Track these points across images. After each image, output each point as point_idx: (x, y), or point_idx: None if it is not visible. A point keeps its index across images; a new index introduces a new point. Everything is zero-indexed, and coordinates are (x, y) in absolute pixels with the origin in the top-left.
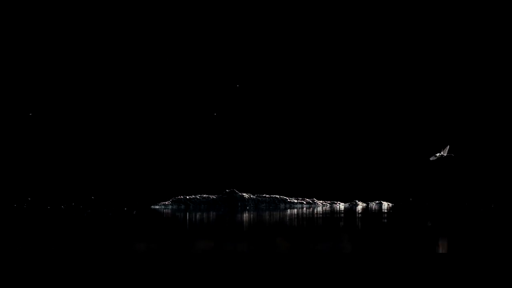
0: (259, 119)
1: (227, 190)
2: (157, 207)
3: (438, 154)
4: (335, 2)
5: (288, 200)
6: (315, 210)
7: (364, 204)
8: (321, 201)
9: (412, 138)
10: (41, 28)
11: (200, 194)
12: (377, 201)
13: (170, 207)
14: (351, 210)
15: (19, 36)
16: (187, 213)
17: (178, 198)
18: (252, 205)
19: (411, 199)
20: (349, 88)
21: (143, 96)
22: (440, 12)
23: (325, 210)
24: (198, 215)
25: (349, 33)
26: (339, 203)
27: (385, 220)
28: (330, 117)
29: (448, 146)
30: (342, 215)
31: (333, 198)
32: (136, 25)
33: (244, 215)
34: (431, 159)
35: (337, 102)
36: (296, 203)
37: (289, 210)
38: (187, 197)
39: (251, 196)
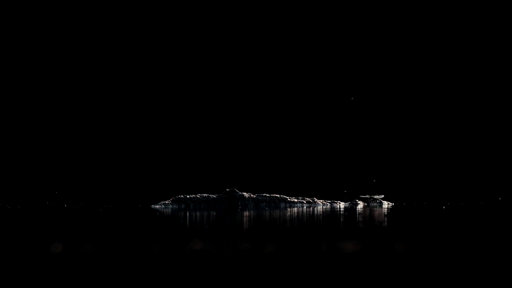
0: (259, 118)
1: (227, 190)
2: (157, 206)
3: (376, 197)
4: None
5: (288, 199)
6: (315, 209)
7: (364, 204)
8: (321, 201)
9: (412, 138)
10: (40, 27)
11: (200, 194)
12: (378, 201)
13: (170, 206)
14: (351, 209)
15: (18, 36)
16: (187, 212)
17: (178, 198)
18: (252, 204)
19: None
20: (349, 88)
21: (143, 95)
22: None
23: (325, 209)
24: (198, 214)
25: (349, 34)
26: (339, 203)
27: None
28: (330, 117)
29: (383, 195)
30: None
31: (333, 197)
32: (135, 24)
33: (244, 214)
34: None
35: (337, 101)
36: (296, 202)
37: (289, 209)
38: (187, 196)
39: (251, 195)
